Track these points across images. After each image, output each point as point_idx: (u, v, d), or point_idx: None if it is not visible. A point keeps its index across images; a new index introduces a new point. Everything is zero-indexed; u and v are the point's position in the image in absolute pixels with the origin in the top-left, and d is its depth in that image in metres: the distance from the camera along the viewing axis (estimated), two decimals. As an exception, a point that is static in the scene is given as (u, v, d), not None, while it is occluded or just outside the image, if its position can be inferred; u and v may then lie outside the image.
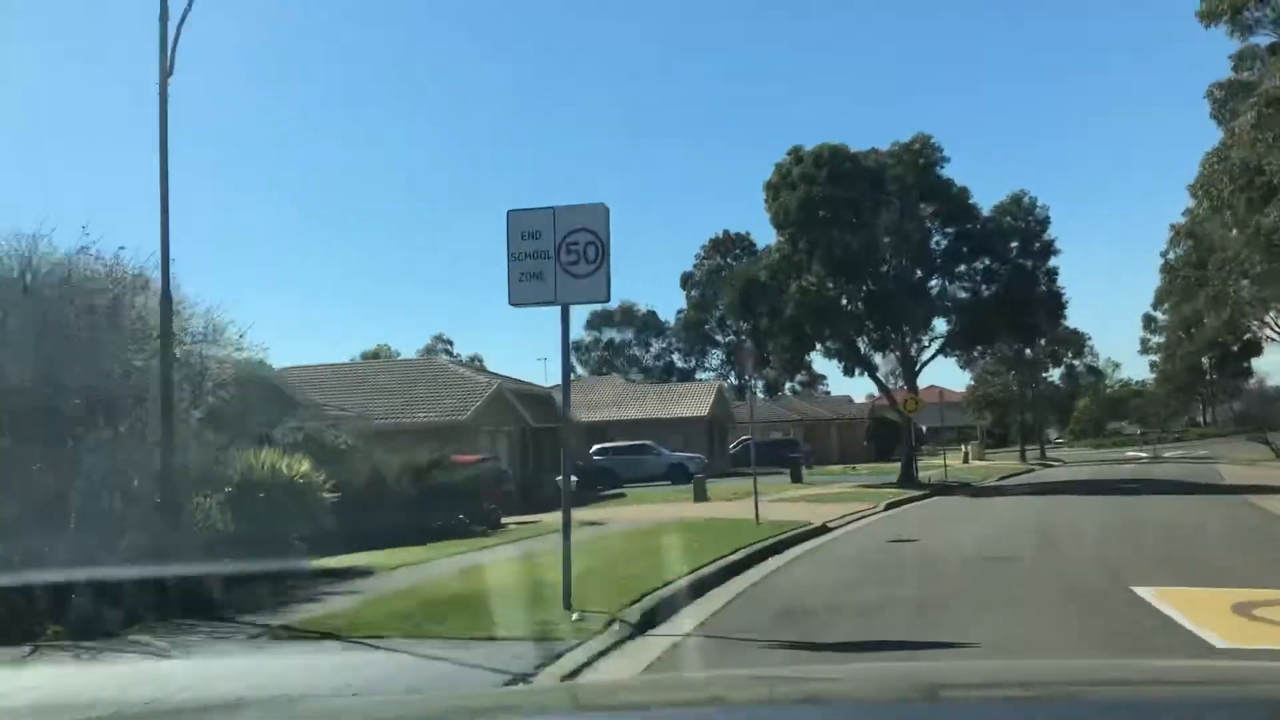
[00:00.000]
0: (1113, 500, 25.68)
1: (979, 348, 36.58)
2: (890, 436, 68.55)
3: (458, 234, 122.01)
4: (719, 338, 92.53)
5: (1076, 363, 61.10)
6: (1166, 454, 66.11)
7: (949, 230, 33.32)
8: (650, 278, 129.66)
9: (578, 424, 45.37)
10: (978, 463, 57.34)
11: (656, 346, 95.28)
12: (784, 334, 33.06)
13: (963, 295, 34.32)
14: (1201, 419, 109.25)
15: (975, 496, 29.08)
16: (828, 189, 31.71)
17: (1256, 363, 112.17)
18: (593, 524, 19.63)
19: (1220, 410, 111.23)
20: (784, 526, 17.90)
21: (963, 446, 67.11)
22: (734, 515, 20.56)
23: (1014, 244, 33.06)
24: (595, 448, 43.12)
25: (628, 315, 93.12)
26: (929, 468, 45.88)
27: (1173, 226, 37.32)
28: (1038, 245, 33.24)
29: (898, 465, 50.69)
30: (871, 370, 35.87)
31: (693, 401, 49.03)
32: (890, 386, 38.45)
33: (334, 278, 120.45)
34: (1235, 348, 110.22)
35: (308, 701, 5.52)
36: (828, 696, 2.38)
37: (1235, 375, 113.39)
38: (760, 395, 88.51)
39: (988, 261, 33.38)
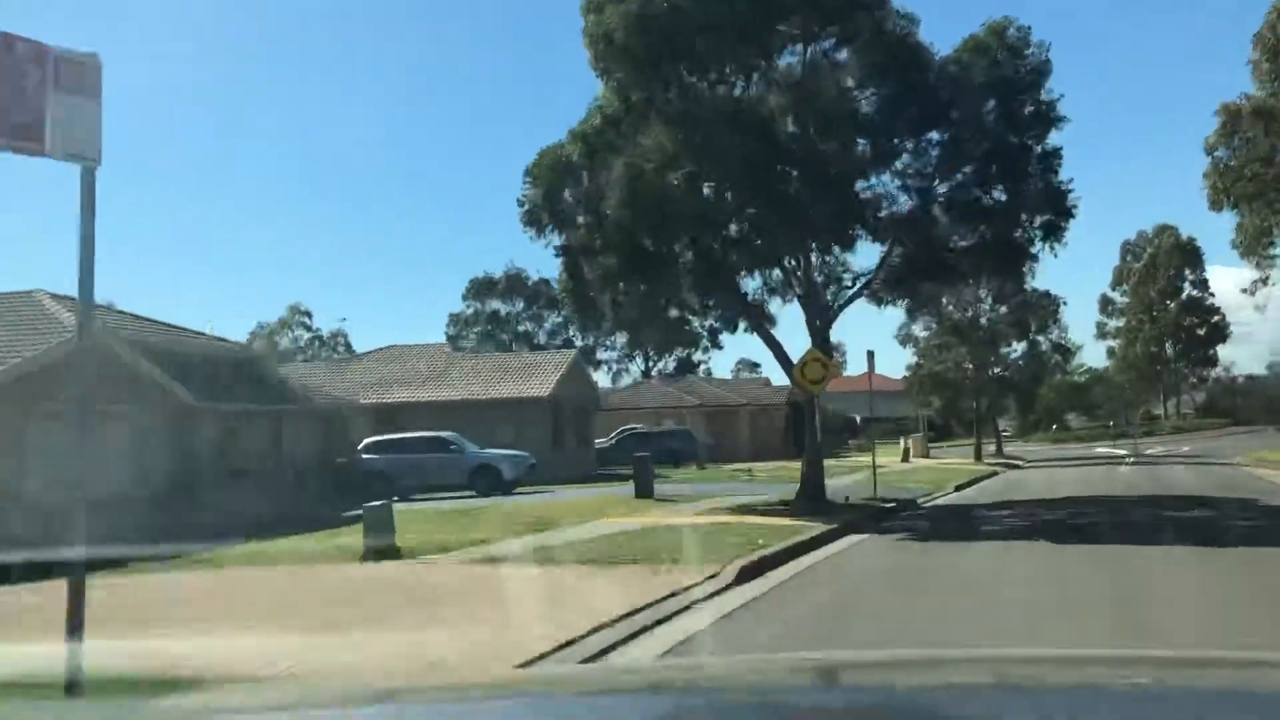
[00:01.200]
0: (1224, 558, 12.49)
1: (928, 288, 23.19)
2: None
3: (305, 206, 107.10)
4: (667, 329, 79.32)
5: (1041, 339, 48.40)
6: (1148, 451, 53.98)
7: (884, 85, 19.92)
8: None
9: (355, 406, 31.42)
10: (921, 462, 44.55)
11: (552, 320, 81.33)
12: (609, 251, 19.54)
13: (903, 197, 21.04)
14: (1163, 410, 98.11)
15: (924, 541, 15.69)
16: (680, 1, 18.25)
17: (1222, 351, 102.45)
18: None
19: (1183, 402, 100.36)
20: None
21: (901, 441, 54.40)
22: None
23: (990, 104, 19.79)
24: (366, 442, 29.29)
25: (515, 284, 79.08)
26: (854, 469, 32.79)
27: (1225, 107, 24.15)
28: (1029, 108, 19.99)
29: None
30: (756, 318, 22.42)
31: (537, 377, 35.31)
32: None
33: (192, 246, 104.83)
34: (1201, 331, 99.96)
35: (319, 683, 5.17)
36: (840, 681, 2.37)
37: (1201, 363, 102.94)
38: (658, 374, 75.76)
39: (944, 135, 20.09)
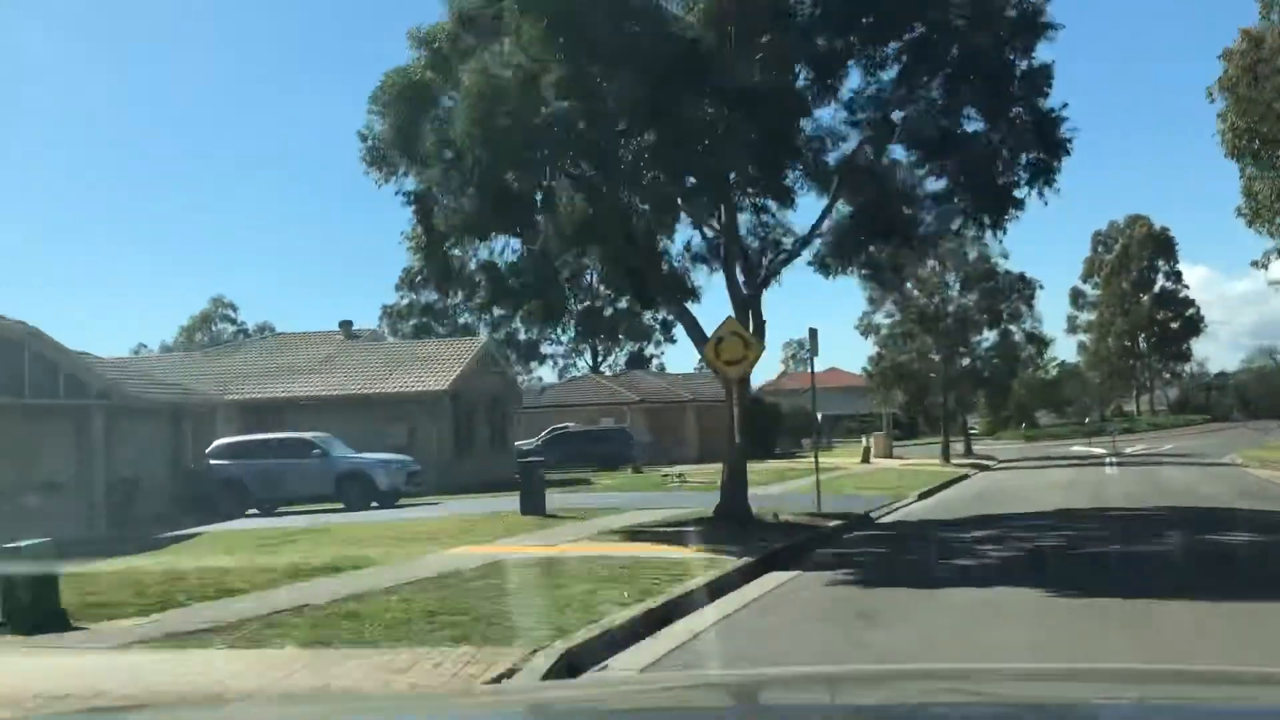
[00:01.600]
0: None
1: (887, 252, 18.50)
2: (771, 425, 51.13)
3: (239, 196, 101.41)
4: (570, 302, 74.26)
5: (1014, 328, 44.11)
6: (1128, 450, 49.95)
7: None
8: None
9: (215, 402, 26.51)
10: (883, 463, 40.17)
11: (496, 311, 76.12)
12: (462, 192, 14.88)
13: (853, 133, 16.49)
14: (1135, 407, 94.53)
15: (868, 588, 10.86)
16: None
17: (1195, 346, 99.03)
18: None
19: (1155, 399, 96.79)
20: None
21: (863, 439, 50.02)
22: None
23: (956, 6, 15.19)
24: (216, 445, 24.33)
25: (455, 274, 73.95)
26: (806, 473, 28.26)
27: (1247, 34, 19.64)
28: (1011, 11, 15.40)
29: (764, 466, 33.04)
30: (671, 289, 17.72)
31: (438, 369, 30.40)
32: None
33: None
34: (1175, 325, 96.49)
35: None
36: (835, 697, 2.35)
37: (1174, 358, 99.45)
38: (609, 369, 70.91)
39: (906, 41, 15.49)
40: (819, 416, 56.83)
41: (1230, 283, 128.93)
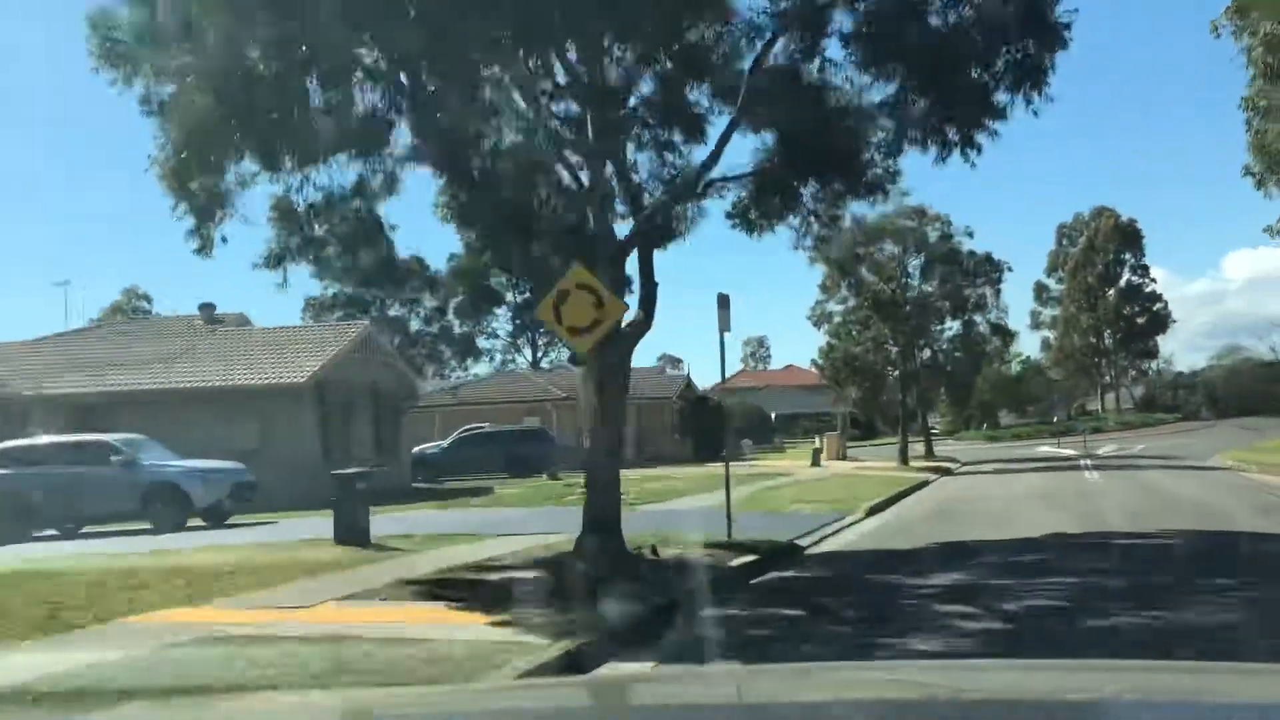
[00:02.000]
0: None
1: (825, 197, 13.95)
2: (716, 424, 46.73)
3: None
4: (508, 295, 69.20)
5: (979, 319, 40.03)
6: (1100, 450, 46.07)
7: None
8: (421, 211, 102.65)
9: (23, 398, 21.59)
10: (836, 466, 35.92)
11: (430, 304, 71.13)
12: (202, 88, 10.07)
13: (769, 21, 11.99)
14: (1099, 405, 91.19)
15: None
16: None
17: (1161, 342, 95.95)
18: None
19: (1121, 397, 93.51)
20: None
21: (816, 440, 45.79)
22: None
23: None
24: (-8, 449, 19.41)
25: (383, 263, 68.54)
26: (746, 479, 23.92)
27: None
28: None
29: (704, 471, 28.56)
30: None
31: (304, 358, 25.52)
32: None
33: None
34: (1142, 320, 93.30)
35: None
36: (847, 694, 2.31)
37: (1140, 355, 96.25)
38: (550, 365, 65.88)
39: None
40: (772, 416, 52.31)
41: (1186, 284, 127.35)
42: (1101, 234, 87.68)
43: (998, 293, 35.83)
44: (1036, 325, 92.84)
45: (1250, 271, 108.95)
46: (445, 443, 34.87)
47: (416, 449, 35.01)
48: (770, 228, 14.88)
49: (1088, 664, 3.13)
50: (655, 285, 12.59)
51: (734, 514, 13.96)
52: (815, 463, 36.30)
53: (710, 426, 45.32)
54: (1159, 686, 2.23)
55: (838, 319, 35.85)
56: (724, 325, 13.53)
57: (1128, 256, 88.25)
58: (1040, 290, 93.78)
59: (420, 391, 33.72)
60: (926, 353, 39.70)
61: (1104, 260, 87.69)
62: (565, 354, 69.57)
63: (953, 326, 37.47)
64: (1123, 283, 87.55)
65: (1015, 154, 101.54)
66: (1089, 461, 36.54)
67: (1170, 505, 18.11)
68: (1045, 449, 50.65)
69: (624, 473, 32.30)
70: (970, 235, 34.41)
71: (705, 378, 60.02)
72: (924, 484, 27.64)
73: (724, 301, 13.62)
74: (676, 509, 18.64)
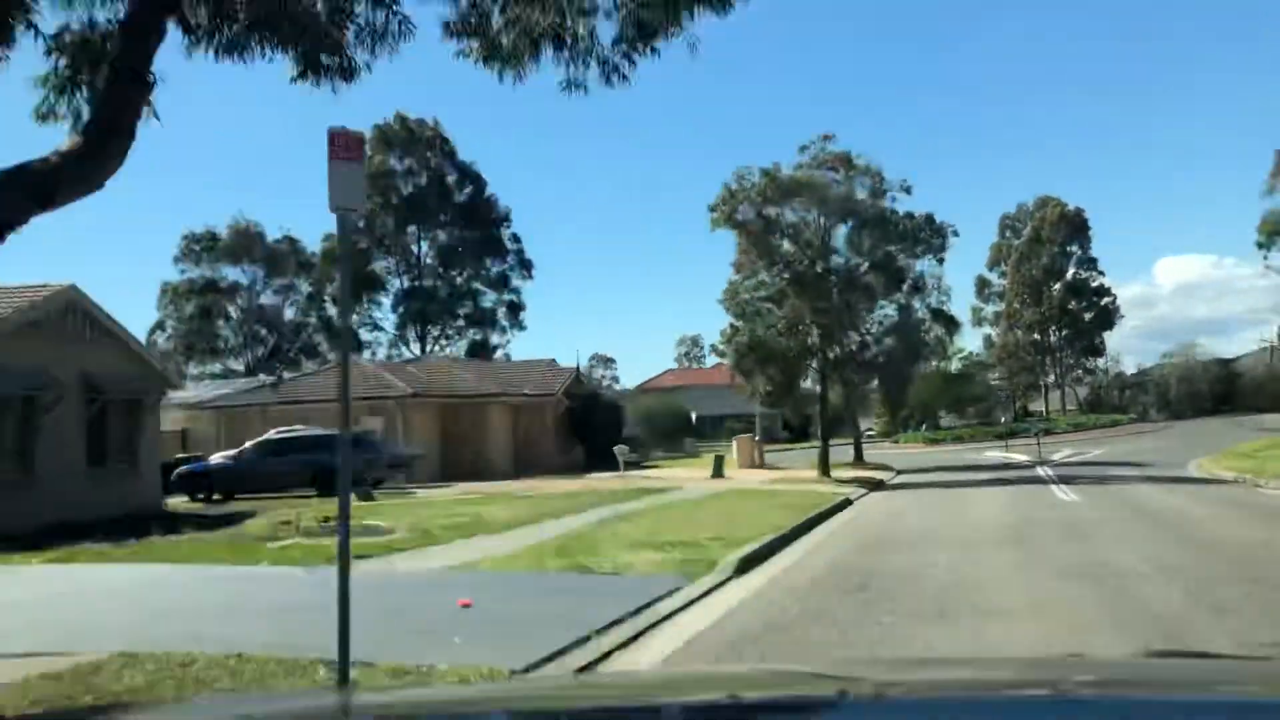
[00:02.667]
0: None
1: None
2: (606, 424, 39.28)
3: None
4: (395, 278, 60.84)
5: (918, 303, 33.34)
6: (1055, 456, 39.48)
7: None
8: (300, 191, 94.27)
9: None
10: (746, 476, 28.75)
11: (305, 289, 62.63)
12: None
13: None
14: (1044, 406, 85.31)
15: None
16: None
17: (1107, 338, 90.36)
18: None
19: (1066, 396, 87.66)
20: None
21: (732, 444, 38.79)
22: None
23: None
24: None
25: (246, 243, 59.89)
26: (620, 499, 16.60)
27: None
28: None
29: (576, 488, 21.18)
30: None
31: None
32: None
33: None
34: (1089, 316, 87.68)
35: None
36: (840, 692, 2.22)
37: (1086, 352, 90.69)
38: (383, 353, 57.50)
39: None
40: (692, 416, 45.33)
41: (1120, 287, 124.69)
42: (1048, 224, 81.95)
43: (940, 261, 28.67)
44: (978, 322, 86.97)
45: (1180, 277, 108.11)
46: (237, 451, 26.97)
47: (192, 461, 27.28)
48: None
49: (1080, 662, 2.93)
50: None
51: (515, 573, 7.19)
52: (718, 473, 29.05)
53: (602, 429, 37.92)
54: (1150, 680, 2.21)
55: (745, 296, 28.50)
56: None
57: (1074, 248, 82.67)
58: (982, 285, 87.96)
59: (175, 383, 25.68)
60: (856, 340, 32.69)
61: (1050, 252, 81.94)
62: (463, 350, 61.41)
63: (887, 309, 30.38)
64: (1069, 276, 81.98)
65: (955, 144, 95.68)
66: (1050, 471, 29.77)
67: (1213, 552, 11.04)
68: (993, 454, 44.03)
69: (492, 486, 24.54)
70: (908, 192, 27.47)
71: (637, 376, 52.49)
72: (843, 505, 20.44)
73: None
74: (412, 574, 11.12)
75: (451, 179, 57.10)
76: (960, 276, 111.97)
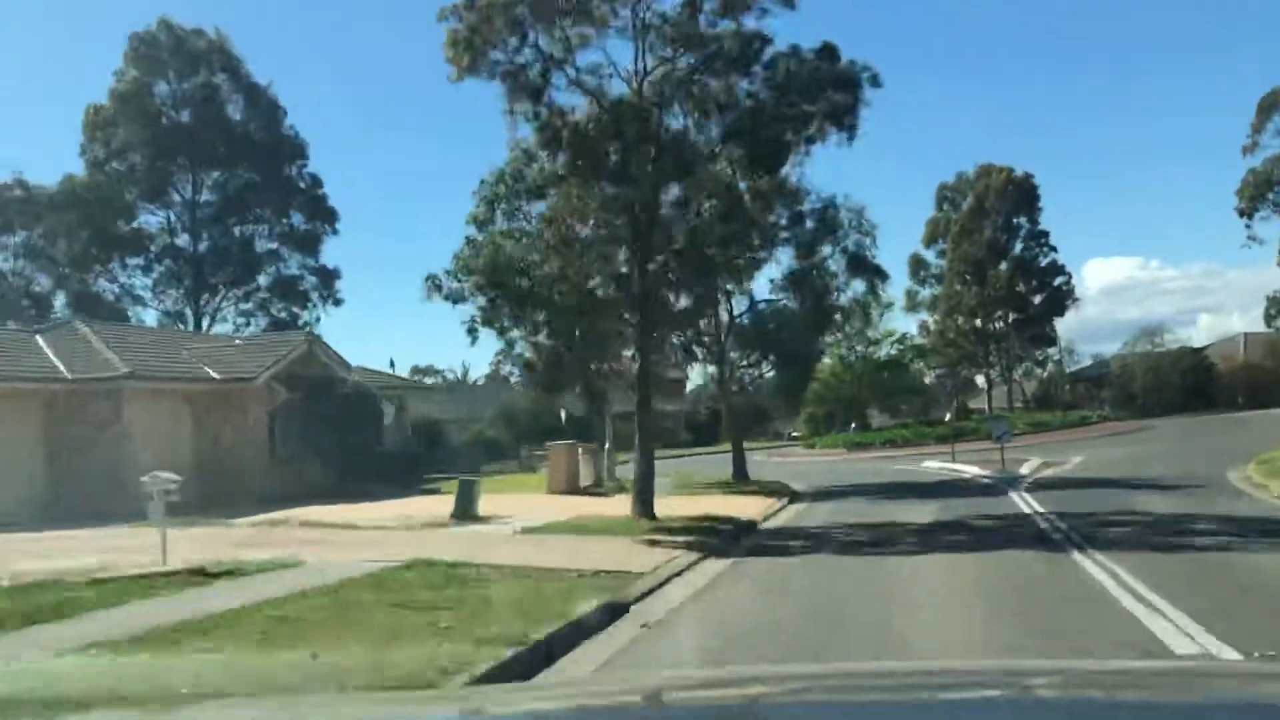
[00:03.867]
0: None
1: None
2: (357, 426, 26.32)
3: None
4: (156, 237, 46.43)
5: (828, 247, 21.29)
6: (1025, 469, 27.36)
7: None
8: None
9: None
10: (543, 507, 16.08)
11: (23, 236, 46.12)
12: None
13: None
14: (988, 402, 73.53)
15: None
16: None
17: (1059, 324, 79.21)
18: None
19: (1013, 391, 76.09)
20: None
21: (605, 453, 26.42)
22: None
23: None
24: None
25: (12, 205, 44.48)
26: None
27: None
28: None
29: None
30: None
31: None
32: None
33: None
34: (1038, 299, 76.37)
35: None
36: (810, 695, 2.23)
37: (1035, 340, 79.49)
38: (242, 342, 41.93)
39: None
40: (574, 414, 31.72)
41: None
42: (992, 193, 70.45)
43: (850, 137, 15.56)
44: (913, 307, 75.02)
45: (1107, 280, 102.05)
46: None
47: None
48: None
49: (1069, 665, 3.07)
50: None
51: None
52: (463, 511, 16.24)
53: (352, 432, 25.00)
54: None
55: (503, 188, 15.40)
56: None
57: (1022, 221, 71.17)
58: (917, 265, 75.72)
59: None
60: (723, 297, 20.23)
61: (993, 225, 70.31)
62: (262, 327, 47.18)
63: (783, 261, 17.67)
64: (1017, 251, 70.55)
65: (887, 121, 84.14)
66: (1038, 505, 17.41)
67: None
68: (933, 464, 32.03)
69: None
70: (789, 4, 14.70)
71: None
72: (570, 635, 7.72)
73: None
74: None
75: (236, 105, 43.49)
76: (892, 257, 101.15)
